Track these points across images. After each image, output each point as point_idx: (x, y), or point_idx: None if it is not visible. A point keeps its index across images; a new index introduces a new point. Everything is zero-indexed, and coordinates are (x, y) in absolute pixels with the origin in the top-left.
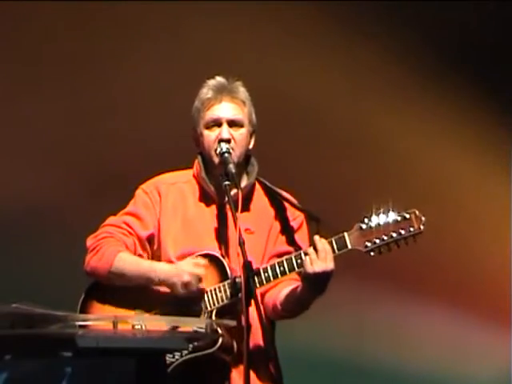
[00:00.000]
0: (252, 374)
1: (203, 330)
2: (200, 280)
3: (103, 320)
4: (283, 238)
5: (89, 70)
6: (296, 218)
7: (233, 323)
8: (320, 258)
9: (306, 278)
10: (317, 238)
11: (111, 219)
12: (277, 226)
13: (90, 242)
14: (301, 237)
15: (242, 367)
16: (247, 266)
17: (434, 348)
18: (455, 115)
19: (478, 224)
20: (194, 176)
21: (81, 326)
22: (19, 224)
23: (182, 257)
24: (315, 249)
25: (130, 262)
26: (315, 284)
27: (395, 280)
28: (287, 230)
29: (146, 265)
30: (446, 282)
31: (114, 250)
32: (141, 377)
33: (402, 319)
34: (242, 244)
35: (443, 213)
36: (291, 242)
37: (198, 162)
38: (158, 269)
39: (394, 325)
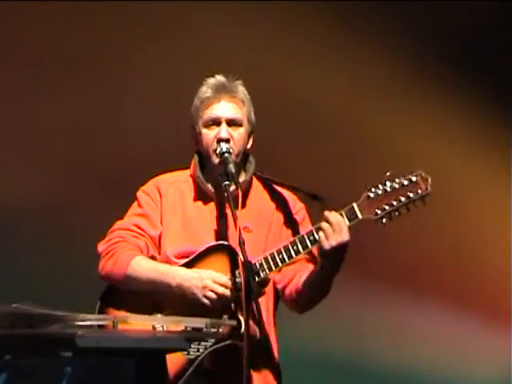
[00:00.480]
0: (253, 373)
1: (204, 330)
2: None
3: (103, 320)
4: (289, 232)
5: (92, 71)
6: (298, 211)
7: (233, 323)
8: (335, 232)
9: (324, 254)
10: (327, 212)
11: (120, 223)
12: (279, 219)
13: (102, 247)
14: (304, 229)
15: (258, 358)
16: (247, 266)
17: (434, 348)
18: (455, 115)
19: (478, 224)
20: (190, 175)
21: (81, 326)
22: (19, 224)
23: (181, 256)
24: (329, 223)
25: (146, 266)
26: (333, 259)
27: (395, 280)
28: (291, 222)
29: (164, 269)
30: (446, 282)
31: (129, 254)
32: (141, 377)
33: (402, 319)
34: (242, 244)
35: (443, 213)
36: (296, 234)
37: (194, 162)
38: (178, 274)
39: (394, 325)
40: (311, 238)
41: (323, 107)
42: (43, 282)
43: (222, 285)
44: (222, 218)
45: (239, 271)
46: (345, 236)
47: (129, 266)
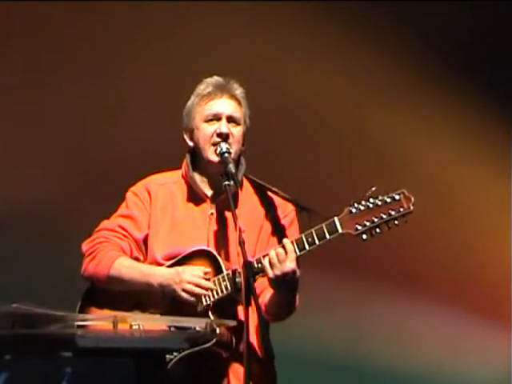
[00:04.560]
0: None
1: (203, 330)
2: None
3: (103, 320)
4: (275, 239)
5: (90, 71)
6: (287, 214)
7: (233, 323)
8: (279, 261)
9: (270, 282)
10: (284, 239)
11: (105, 223)
12: (268, 226)
13: (85, 247)
14: (293, 233)
15: (237, 364)
16: (247, 265)
17: (434, 348)
18: (455, 115)
19: (477, 223)
20: (182, 176)
21: (80, 326)
22: (19, 224)
23: (169, 258)
24: (276, 251)
25: (128, 267)
26: (280, 286)
27: (394, 280)
28: (278, 230)
29: (145, 269)
30: (445, 281)
31: (111, 255)
32: (141, 377)
33: (401, 319)
34: (242, 244)
35: (443, 212)
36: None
37: (186, 162)
38: (158, 273)
39: (393, 324)
40: (259, 265)
41: (322, 108)
42: (43, 282)
43: (197, 276)
44: (219, 218)
45: (239, 271)
46: (289, 265)
47: (111, 267)
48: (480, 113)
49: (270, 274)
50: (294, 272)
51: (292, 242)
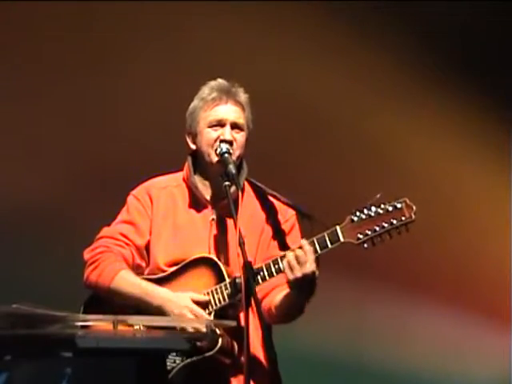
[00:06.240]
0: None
1: (203, 330)
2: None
3: (103, 320)
4: (275, 243)
5: (90, 71)
6: (288, 219)
7: (233, 323)
8: (300, 263)
9: (290, 283)
10: (302, 241)
11: (106, 230)
12: (268, 230)
13: (87, 255)
14: (293, 238)
15: (240, 371)
16: (247, 266)
17: (434, 348)
18: (455, 115)
19: (478, 224)
20: (183, 179)
21: (81, 327)
22: (19, 224)
23: (172, 264)
24: (295, 253)
25: (129, 282)
26: (300, 288)
27: (395, 280)
28: (279, 235)
29: (146, 287)
30: (445, 281)
31: (114, 268)
32: (141, 377)
33: (402, 319)
34: (242, 244)
35: (443, 212)
36: (283, 246)
37: (187, 165)
38: (157, 295)
39: (394, 325)
40: (276, 266)
41: (323, 109)
42: (43, 282)
43: (196, 315)
44: (214, 223)
45: (239, 274)
46: (309, 267)
47: (113, 280)
48: (480, 113)
49: (291, 276)
50: (313, 273)
51: (322, 237)
